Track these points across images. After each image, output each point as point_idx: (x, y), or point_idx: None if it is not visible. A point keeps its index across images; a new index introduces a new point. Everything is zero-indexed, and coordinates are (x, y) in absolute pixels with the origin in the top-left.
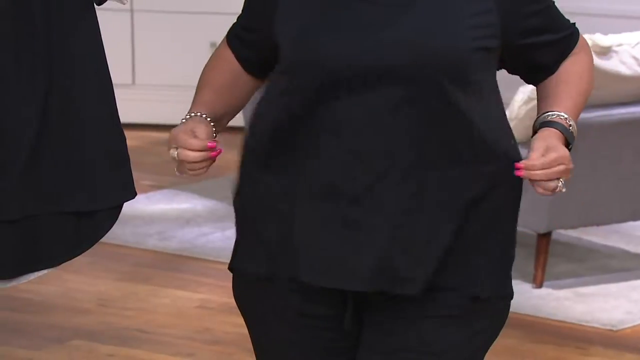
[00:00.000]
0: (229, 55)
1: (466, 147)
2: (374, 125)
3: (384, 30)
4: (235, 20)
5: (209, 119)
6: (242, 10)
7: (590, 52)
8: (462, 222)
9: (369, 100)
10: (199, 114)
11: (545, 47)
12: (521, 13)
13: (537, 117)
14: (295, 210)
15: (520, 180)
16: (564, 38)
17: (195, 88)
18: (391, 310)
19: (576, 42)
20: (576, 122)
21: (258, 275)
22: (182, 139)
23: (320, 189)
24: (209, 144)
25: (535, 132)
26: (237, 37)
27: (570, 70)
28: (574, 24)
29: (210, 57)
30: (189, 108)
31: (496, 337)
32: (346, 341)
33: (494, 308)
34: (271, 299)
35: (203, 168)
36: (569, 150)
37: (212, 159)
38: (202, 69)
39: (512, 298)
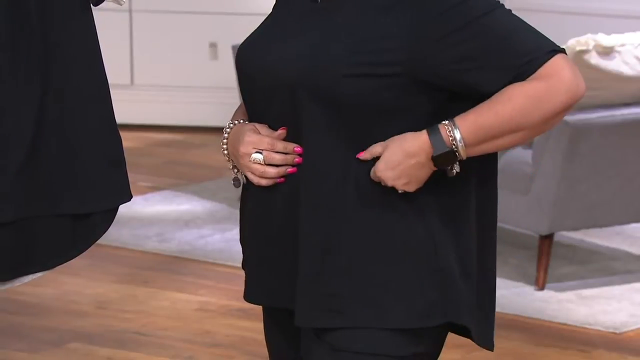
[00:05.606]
0: None
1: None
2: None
3: (286, 42)
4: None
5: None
6: None
7: (557, 83)
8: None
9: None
10: (241, 121)
11: (479, 77)
12: (439, 41)
13: None
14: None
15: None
16: (505, 70)
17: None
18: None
19: (532, 72)
20: (478, 140)
21: None
22: (267, 141)
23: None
24: (295, 148)
25: None
26: None
27: (506, 90)
28: (546, 54)
29: None
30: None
31: None
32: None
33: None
34: None
35: (280, 177)
36: (448, 165)
37: (293, 166)
38: None
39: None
